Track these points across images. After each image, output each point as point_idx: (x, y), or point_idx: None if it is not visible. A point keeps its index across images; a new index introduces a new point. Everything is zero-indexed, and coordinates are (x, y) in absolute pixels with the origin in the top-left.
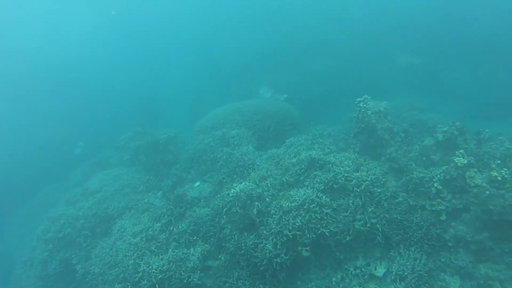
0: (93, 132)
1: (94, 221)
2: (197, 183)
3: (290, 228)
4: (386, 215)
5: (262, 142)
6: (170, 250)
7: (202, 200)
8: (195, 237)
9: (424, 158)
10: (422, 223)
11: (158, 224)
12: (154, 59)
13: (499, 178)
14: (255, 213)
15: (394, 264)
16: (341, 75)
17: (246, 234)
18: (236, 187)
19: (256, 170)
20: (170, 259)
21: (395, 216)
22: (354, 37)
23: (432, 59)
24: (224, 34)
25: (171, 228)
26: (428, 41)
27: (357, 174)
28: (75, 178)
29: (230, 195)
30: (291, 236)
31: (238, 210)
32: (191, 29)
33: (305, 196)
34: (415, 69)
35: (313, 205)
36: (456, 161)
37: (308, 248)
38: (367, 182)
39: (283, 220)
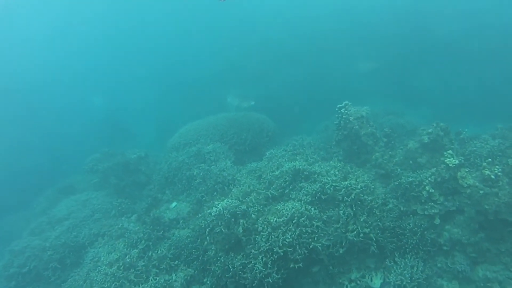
0: (55, 156)
1: (63, 252)
2: (174, 204)
3: (281, 244)
4: (379, 224)
5: (239, 156)
6: (150, 278)
7: (180, 221)
8: (176, 262)
9: (410, 162)
10: (415, 228)
11: (135, 251)
12: (113, 74)
13: (492, 176)
14: (241, 231)
15: (392, 274)
16: (309, 86)
17: (232, 255)
18: (218, 205)
19: (237, 186)
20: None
21: (388, 223)
22: (319, 48)
23: (395, 65)
24: (188, 46)
25: (150, 254)
26: (392, 49)
27: (346, 182)
28: (39, 206)
29: (213, 214)
30: (281, 254)
31: (222, 230)
32: (154, 41)
33: (293, 209)
34: (377, 74)
35: (303, 218)
36: (447, 162)
37: (300, 265)
38: (357, 190)
39: (273, 236)
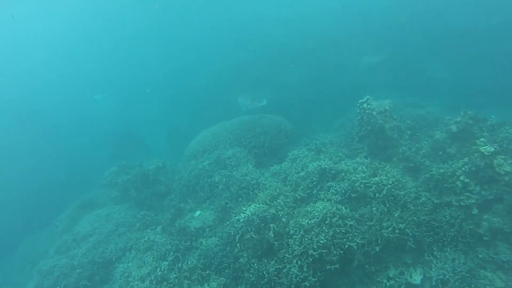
0: (69, 169)
1: (91, 269)
2: (198, 212)
3: (315, 247)
4: (414, 218)
5: (259, 159)
6: None
7: (207, 230)
8: (207, 271)
9: (440, 153)
10: (452, 220)
11: (165, 263)
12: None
13: None
14: (272, 236)
15: (433, 269)
16: (317, 83)
17: (266, 260)
18: (246, 211)
19: (263, 190)
20: None
21: (423, 217)
22: (323, 44)
23: (404, 55)
24: (193, 51)
25: (180, 265)
26: (399, 38)
27: (376, 178)
28: (62, 223)
29: (241, 220)
30: (317, 256)
31: (253, 235)
32: (158, 46)
33: (324, 210)
34: (386, 66)
35: (335, 218)
36: (482, 150)
37: (337, 266)
38: (389, 185)
39: (306, 239)
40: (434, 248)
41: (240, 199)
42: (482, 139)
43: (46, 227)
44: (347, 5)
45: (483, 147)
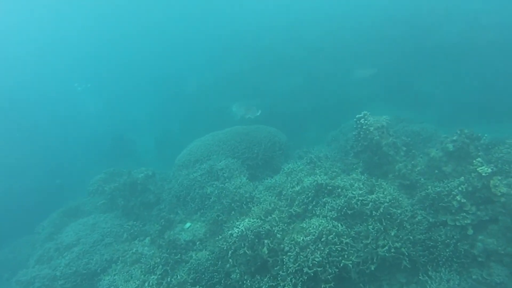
0: (54, 174)
1: (75, 280)
2: (188, 224)
3: (310, 264)
4: (410, 237)
5: (252, 171)
6: None
7: (197, 243)
8: (197, 287)
9: (436, 171)
10: (448, 240)
11: (154, 277)
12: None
13: None
14: (266, 252)
15: None
16: (309, 93)
17: (259, 277)
18: (239, 225)
19: (257, 204)
20: None
21: (419, 236)
22: (315, 54)
23: (397, 72)
24: (185, 56)
25: (169, 279)
26: (392, 53)
27: (373, 196)
28: (45, 230)
29: (235, 235)
30: (312, 274)
31: (247, 251)
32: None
33: (320, 227)
34: (377, 79)
35: (331, 236)
36: (479, 171)
37: (332, 285)
38: (386, 204)
39: (301, 256)
40: (429, 268)
41: (233, 212)
42: (479, 159)
43: (27, 234)
44: (340, 17)
45: (480, 168)
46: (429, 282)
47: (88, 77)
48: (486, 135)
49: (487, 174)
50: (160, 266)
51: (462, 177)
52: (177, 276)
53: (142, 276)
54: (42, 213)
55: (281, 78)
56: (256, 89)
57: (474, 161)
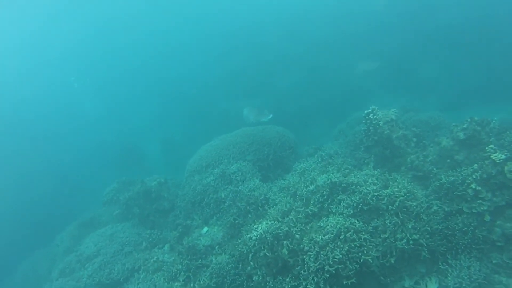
0: (70, 189)
1: None
2: (205, 229)
3: (331, 262)
4: (428, 228)
5: (264, 172)
6: None
7: (216, 247)
8: None
9: (448, 160)
10: (465, 228)
11: (177, 284)
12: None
13: None
14: (286, 253)
15: (448, 278)
16: (311, 89)
17: (281, 278)
18: (258, 228)
19: (272, 206)
20: None
21: (436, 226)
22: (317, 48)
23: (399, 60)
24: (187, 57)
25: (192, 285)
26: (391, 40)
27: (388, 190)
28: (63, 243)
29: (254, 238)
30: (333, 272)
31: (267, 253)
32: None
33: (338, 225)
34: (378, 72)
35: (350, 233)
36: (493, 158)
37: (354, 280)
38: (401, 197)
39: (321, 255)
40: (448, 257)
41: (249, 215)
42: (491, 145)
43: (44, 246)
44: (340, 9)
45: (494, 155)
46: (450, 270)
47: (86, 73)
48: (495, 119)
49: (501, 160)
50: (182, 273)
51: (476, 165)
52: (200, 281)
53: (166, 283)
54: (55, 223)
55: (283, 75)
56: (260, 87)
57: (486, 148)
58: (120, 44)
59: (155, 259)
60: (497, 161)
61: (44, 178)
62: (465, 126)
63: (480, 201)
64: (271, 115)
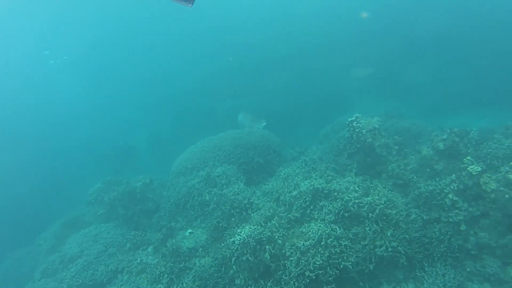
0: (54, 187)
1: None
2: (189, 231)
3: (312, 268)
4: (406, 236)
5: (248, 175)
6: None
7: (199, 249)
8: None
9: (427, 170)
10: (442, 236)
11: (161, 286)
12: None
13: None
14: (268, 258)
15: (424, 285)
16: (299, 91)
17: (263, 282)
18: (241, 233)
19: (256, 210)
20: None
21: (414, 234)
22: (305, 52)
23: (385, 65)
24: (175, 57)
25: None
26: (379, 48)
27: (368, 198)
28: (46, 243)
29: (237, 242)
30: (314, 277)
31: (249, 258)
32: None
33: (320, 231)
34: (370, 78)
35: (330, 239)
36: (469, 170)
37: (333, 286)
38: (381, 205)
39: (302, 261)
40: (425, 264)
41: (233, 219)
42: (469, 157)
43: (27, 245)
44: (329, 13)
45: (470, 167)
46: (426, 277)
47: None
48: (474, 129)
49: (477, 172)
50: (166, 275)
51: (453, 175)
52: (183, 284)
53: (149, 286)
54: (39, 221)
55: (271, 76)
56: (247, 88)
57: (464, 159)
58: (110, 38)
59: (138, 261)
60: (473, 173)
61: (27, 175)
62: (444, 136)
63: (457, 210)
64: (265, 122)
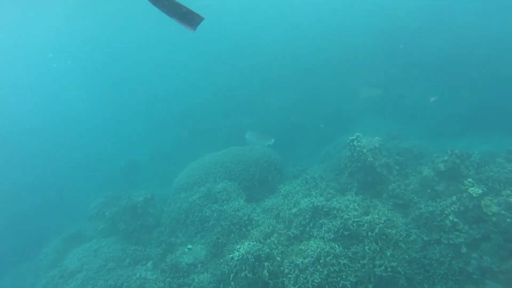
0: (56, 202)
1: None
2: (189, 246)
3: (310, 286)
4: (406, 256)
5: (249, 191)
6: None
7: (198, 266)
8: None
9: (428, 190)
10: (442, 258)
11: None
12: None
13: None
14: (267, 275)
15: None
16: (303, 110)
17: None
18: (240, 249)
19: (255, 226)
20: None
21: (414, 255)
22: (309, 72)
23: (391, 85)
24: (176, 76)
25: None
26: (382, 70)
27: (368, 217)
28: (47, 258)
29: (235, 258)
30: None
31: (248, 274)
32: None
33: (318, 249)
34: (377, 97)
35: (329, 257)
36: (470, 192)
37: None
38: (381, 224)
39: (301, 278)
40: (425, 286)
41: (232, 235)
42: (470, 179)
43: (28, 260)
44: (333, 33)
45: (471, 188)
46: None
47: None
48: (476, 152)
49: (478, 195)
50: None
51: (454, 197)
52: None
53: None
54: (40, 237)
55: (276, 94)
56: (251, 106)
57: (465, 181)
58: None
59: (137, 276)
60: (474, 195)
61: (30, 189)
62: (445, 158)
63: (457, 232)
64: (273, 140)
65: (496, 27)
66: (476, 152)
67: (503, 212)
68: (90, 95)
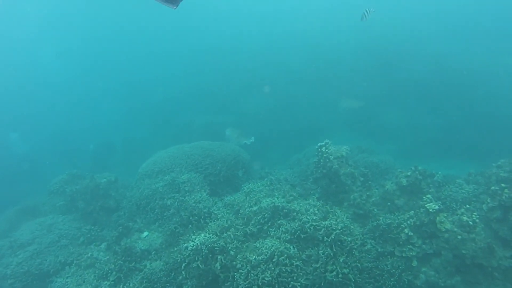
0: (16, 173)
1: (25, 280)
2: (145, 233)
3: (260, 283)
4: (358, 264)
5: (213, 187)
6: None
7: (153, 253)
8: None
9: (388, 203)
10: (393, 270)
11: (106, 283)
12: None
13: (470, 222)
14: (218, 268)
15: None
16: (279, 116)
17: None
18: (195, 239)
19: (214, 220)
20: None
21: (366, 264)
22: (291, 81)
23: (368, 103)
24: (156, 68)
25: (121, 287)
26: (363, 86)
27: (326, 222)
28: None
29: (189, 248)
30: None
31: (200, 265)
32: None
33: (273, 248)
34: (355, 112)
35: (282, 257)
36: (427, 207)
37: None
38: (337, 231)
39: (252, 275)
40: None
41: (190, 226)
42: (429, 195)
43: None
44: (318, 46)
45: (428, 204)
46: None
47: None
48: (439, 173)
49: (434, 210)
50: (114, 273)
51: (412, 211)
52: (129, 284)
53: (95, 281)
54: None
55: (253, 97)
56: (227, 106)
57: (424, 197)
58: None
59: (89, 255)
60: (431, 210)
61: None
62: (408, 173)
63: (411, 246)
64: (253, 139)
65: (471, 58)
66: (440, 173)
67: (455, 229)
68: (71, 68)
